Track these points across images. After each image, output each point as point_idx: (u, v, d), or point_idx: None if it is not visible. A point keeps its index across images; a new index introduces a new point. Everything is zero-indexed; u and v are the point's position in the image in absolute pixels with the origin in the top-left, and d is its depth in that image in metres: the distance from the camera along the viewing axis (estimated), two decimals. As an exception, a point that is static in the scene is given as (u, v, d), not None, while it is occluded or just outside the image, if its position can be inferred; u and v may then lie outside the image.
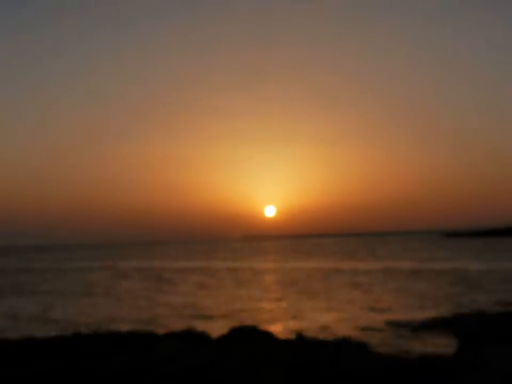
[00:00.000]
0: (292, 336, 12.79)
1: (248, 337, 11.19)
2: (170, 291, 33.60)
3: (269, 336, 11.64)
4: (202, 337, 11.89)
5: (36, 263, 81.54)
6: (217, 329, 18.35)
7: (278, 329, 18.31)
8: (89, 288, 36.70)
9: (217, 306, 25.44)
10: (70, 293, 34.07)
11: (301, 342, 10.89)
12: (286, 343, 11.04)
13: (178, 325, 18.83)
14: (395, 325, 20.05)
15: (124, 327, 16.68)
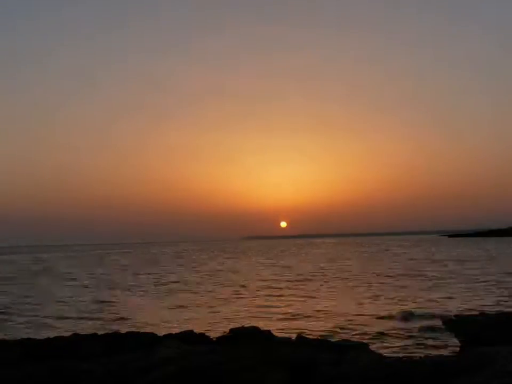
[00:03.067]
0: (292, 336, 12.72)
1: (248, 338, 11.13)
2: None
3: (269, 336, 11.58)
4: (202, 338, 11.84)
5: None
6: (217, 329, 18.30)
7: (278, 329, 18.25)
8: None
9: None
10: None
11: (301, 342, 10.83)
12: (286, 343, 10.98)
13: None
14: (395, 324, 19.97)
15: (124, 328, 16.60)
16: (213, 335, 12.90)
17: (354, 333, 18.51)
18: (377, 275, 41.30)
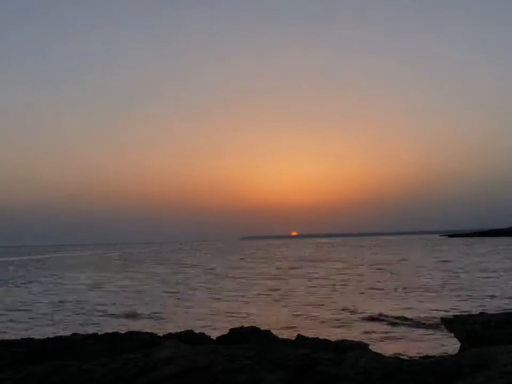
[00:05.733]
0: (291, 336, 12.73)
1: (248, 338, 11.14)
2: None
3: (269, 336, 11.58)
4: (202, 338, 11.85)
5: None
6: (217, 329, 18.31)
7: (278, 329, 18.25)
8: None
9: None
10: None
11: (301, 342, 10.83)
12: (285, 343, 10.98)
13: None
14: (395, 324, 19.98)
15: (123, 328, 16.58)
16: (213, 335, 12.91)
17: (354, 332, 18.51)
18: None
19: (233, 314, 23.52)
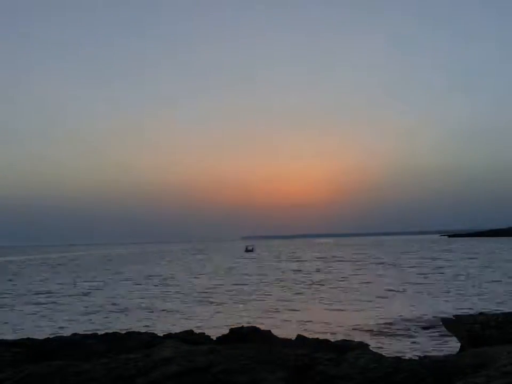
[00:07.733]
0: (291, 336, 12.73)
1: (248, 338, 11.13)
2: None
3: (269, 336, 11.58)
4: (202, 338, 11.85)
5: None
6: (217, 329, 18.33)
7: (278, 329, 18.25)
8: None
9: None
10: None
11: (301, 342, 10.83)
12: (285, 343, 10.98)
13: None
14: (396, 325, 19.99)
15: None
16: (213, 335, 12.91)
17: (354, 333, 18.52)
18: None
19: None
